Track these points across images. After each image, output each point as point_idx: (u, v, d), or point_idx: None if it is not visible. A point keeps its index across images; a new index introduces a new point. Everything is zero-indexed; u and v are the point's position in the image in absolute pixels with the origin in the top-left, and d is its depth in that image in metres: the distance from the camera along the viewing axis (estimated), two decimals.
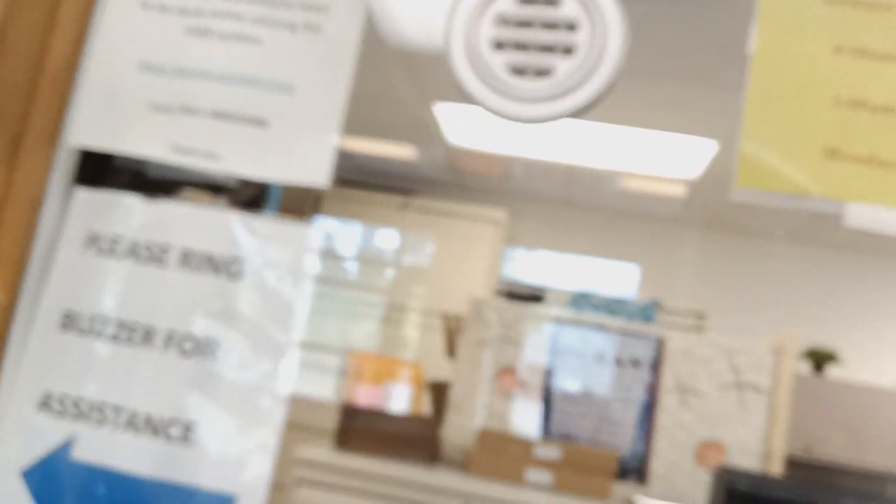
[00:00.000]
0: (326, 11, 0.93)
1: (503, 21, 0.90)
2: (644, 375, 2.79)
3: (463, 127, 3.37)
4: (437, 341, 3.25)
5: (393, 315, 3.86)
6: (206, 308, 0.89)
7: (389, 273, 3.93)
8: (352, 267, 4.01)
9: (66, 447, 0.87)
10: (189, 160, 0.91)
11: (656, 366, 2.77)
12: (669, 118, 3.12)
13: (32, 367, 0.90)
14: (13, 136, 0.89)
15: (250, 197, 1.17)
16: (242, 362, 0.87)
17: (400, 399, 2.97)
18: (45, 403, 0.89)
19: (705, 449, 2.80)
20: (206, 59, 0.93)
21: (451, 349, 2.92)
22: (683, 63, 2.75)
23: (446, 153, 3.58)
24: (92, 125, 0.93)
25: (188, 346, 0.88)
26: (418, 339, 3.76)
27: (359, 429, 2.59)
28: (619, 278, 4.05)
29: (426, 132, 3.36)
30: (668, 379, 2.84)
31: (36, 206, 0.91)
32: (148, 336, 0.89)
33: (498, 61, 0.89)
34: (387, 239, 3.93)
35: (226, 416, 0.86)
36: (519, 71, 0.89)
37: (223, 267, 0.90)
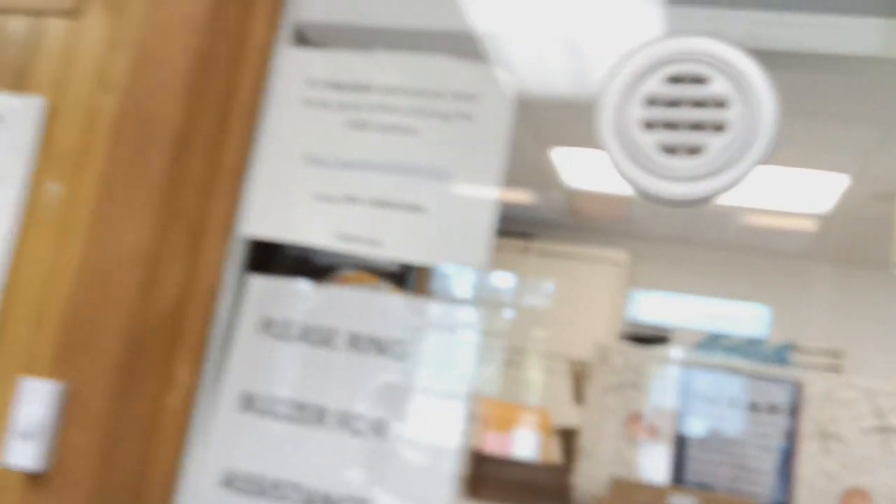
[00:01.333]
0: (477, 99, 0.97)
1: (652, 101, 0.91)
2: (782, 421, 2.69)
3: (581, 170, 3.38)
4: (561, 385, 3.23)
5: (514, 358, 3.87)
6: (374, 389, 0.93)
7: (509, 316, 3.94)
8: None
9: None
10: (353, 247, 0.96)
11: (795, 411, 2.67)
12: (796, 153, 3.03)
13: (215, 446, 0.96)
14: (194, 229, 0.97)
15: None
16: (412, 441, 0.91)
17: (528, 446, 2.97)
18: (228, 482, 0.94)
19: (850, 497, 2.67)
20: (366, 150, 0.99)
21: (579, 395, 2.90)
22: (811, 97, 2.68)
23: (565, 196, 3.59)
24: (262, 216, 1.00)
25: (360, 425, 0.92)
26: (540, 383, 3.75)
27: (490, 476, 2.61)
28: (746, 318, 3.94)
29: (543, 176, 3.39)
30: (807, 424, 2.73)
31: (215, 293, 0.98)
32: (320, 416, 0.94)
33: (648, 141, 0.90)
34: (505, 282, 3.95)
35: (397, 495, 0.90)
36: (670, 150, 0.90)
37: (389, 348, 0.94)
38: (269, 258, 1.05)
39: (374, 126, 0.99)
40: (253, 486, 0.93)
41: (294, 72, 1.02)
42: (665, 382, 2.87)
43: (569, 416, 2.90)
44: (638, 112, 0.91)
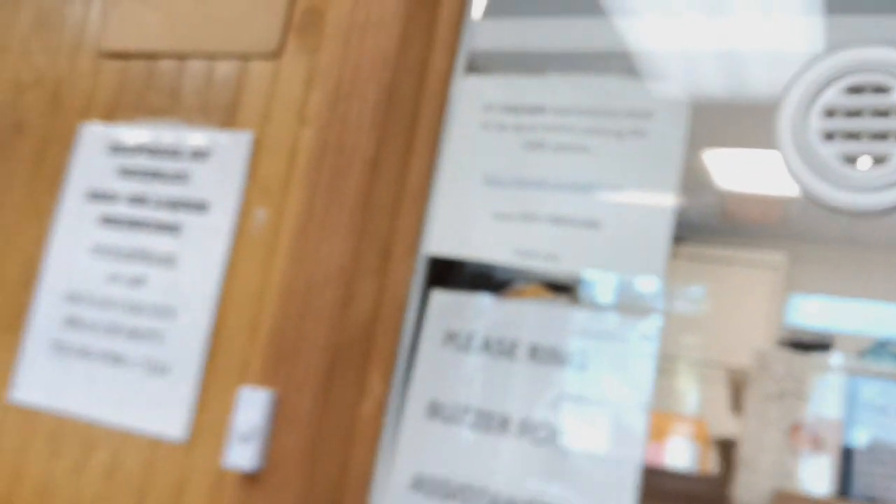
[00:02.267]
0: (650, 117, 1.00)
1: (831, 113, 0.91)
2: None
3: (734, 172, 3.30)
4: (717, 394, 3.14)
5: (665, 366, 3.79)
6: (554, 399, 0.97)
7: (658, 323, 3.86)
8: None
9: None
10: (531, 262, 1.01)
11: None
12: None
13: (405, 451, 1.03)
14: (383, 249, 1.04)
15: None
16: (593, 450, 0.94)
17: (685, 456, 2.92)
18: (417, 485, 1.01)
19: None
20: (542, 170, 1.03)
21: (737, 404, 2.83)
22: None
23: (717, 199, 3.51)
24: (445, 235, 1.06)
25: (541, 434, 0.96)
26: (695, 392, 3.67)
27: (646, 488, 2.58)
28: None
29: (695, 179, 3.32)
30: None
31: (403, 307, 1.05)
32: (504, 424, 0.99)
33: (829, 152, 0.91)
34: (649, 286, 3.87)
35: (580, 502, 0.93)
36: (852, 160, 0.90)
37: (568, 359, 0.98)
38: (451, 274, 1.11)
39: (549, 146, 1.04)
40: (441, 490, 0.99)
41: (471, 98, 1.08)
42: (829, 391, 2.74)
43: (726, 425, 2.82)
44: (817, 123, 0.92)
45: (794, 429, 2.85)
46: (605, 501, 0.92)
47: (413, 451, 1.02)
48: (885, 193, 0.88)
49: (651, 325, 0.97)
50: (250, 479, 0.97)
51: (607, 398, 0.96)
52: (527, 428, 0.97)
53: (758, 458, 2.86)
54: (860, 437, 2.66)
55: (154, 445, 1.07)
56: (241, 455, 0.95)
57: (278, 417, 0.98)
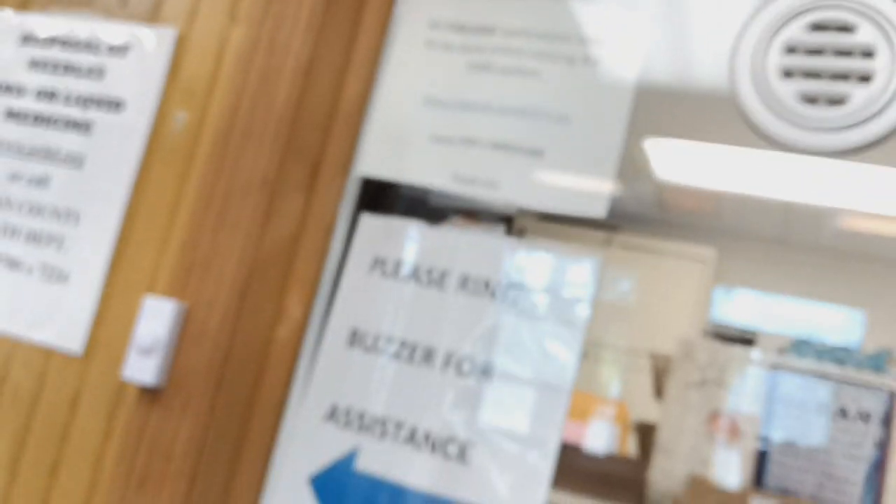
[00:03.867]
0: (603, 44, 0.95)
1: (792, 49, 0.87)
2: (874, 430, 2.58)
3: (673, 162, 3.30)
4: (640, 380, 3.16)
5: (591, 351, 3.80)
6: (483, 332, 0.92)
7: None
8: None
9: (350, 457, 0.93)
10: (469, 189, 0.95)
11: (888, 420, 2.55)
12: None
13: (321, 380, 0.96)
14: (312, 165, 0.97)
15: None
16: (517, 387, 0.89)
17: (604, 437, 2.92)
18: (332, 415, 0.94)
19: None
20: (487, 93, 0.97)
21: (659, 390, 2.84)
22: None
23: (654, 188, 3.51)
24: (379, 156, 0.99)
25: (466, 367, 0.91)
26: (618, 377, 3.68)
27: (563, 466, 2.57)
28: (838, 323, 3.79)
29: (633, 167, 3.32)
30: None
31: (329, 230, 0.98)
32: (428, 356, 0.93)
33: (787, 90, 0.87)
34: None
35: (500, 438, 0.88)
36: (810, 100, 0.86)
37: (500, 293, 0.92)
38: (384, 198, 1.05)
39: (496, 69, 0.98)
40: (357, 422, 0.93)
41: (418, 12, 1.02)
42: (750, 383, 2.78)
43: (647, 410, 2.83)
44: (777, 60, 0.88)
45: (713, 417, 2.87)
46: (526, 438, 0.87)
47: (330, 379, 0.96)
48: (841, 134, 0.85)
49: (587, 265, 0.92)
50: (150, 395, 0.89)
51: (535, 342, 0.91)
52: (451, 361, 0.92)
53: (676, 443, 2.87)
54: (777, 430, 2.69)
55: (47, 355, 0.98)
56: (142, 369, 0.87)
57: (184, 332, 0.90)
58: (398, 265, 0.97)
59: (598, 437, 2.91)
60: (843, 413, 2.79)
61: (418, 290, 0.95)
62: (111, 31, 1.03)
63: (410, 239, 0.98)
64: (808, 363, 2.84)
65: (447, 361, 0.92)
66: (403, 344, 0.94)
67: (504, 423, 0.89)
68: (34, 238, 1.00)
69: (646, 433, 2.84)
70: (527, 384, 0.89)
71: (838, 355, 2.83)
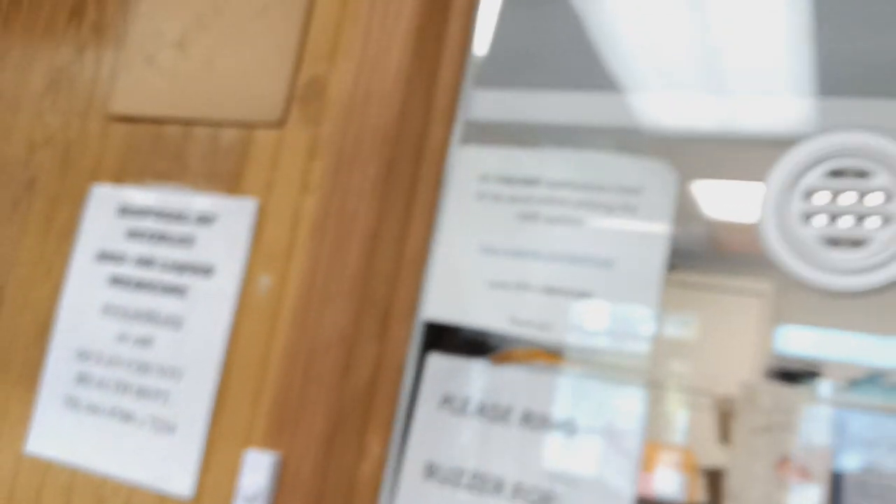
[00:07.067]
0: (640, 193, 1.04)
1: (812, 195, 0.95)
2: None
3: (722, 202, 3.34)
4: (705, 423, 3.18)
5: (653, 393, 3.83)
6: (547, 464, 1.01)
7: (645, 349, 3.90)
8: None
9: None
10: (525, 331, 1.05)
11: None
12: None
13: None
14: (383, 315, 1.08)
15: None
16: None
17: (672, 486, 2.96)
18: None
19: None
20: (536, 241, 1.07)
21: (725, 434, 2.86)
22: None
23: (705, 228, 3.56)
24: (442, 301, 1.10)
25: (533, 497, 1.00)
26: (682, 420, 3.71)
27: None
28: None
29: (683, 209, 3.36)
30: None
31: (401, 371, 1.09)
32: (498, 487, 1.03)
33: (810, 234, 0.95)
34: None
35: None
36: (833, 243, 0.94)
37: (559, 426, 1.02)
38: (447, 338, 1.15)
39: (542, 218, 1.08)
40: None
41: (468, 168, 1.13)
42: (817, 421, 2.77)
43: (714, 455, 2.85)
44: (798, 205, 0.96)
45: (782, 462, 2.87)
46: None
47: None
48: (862, 276, 0.92)
49: (637, 396, 1.01)
50: None
51: (596, 463, 1.00)
52: (520, 491, 1.01)
53: (746, 490, 2.89)
54: (849, 468, 2.69)
55: (162, 501, 1.11)
56: None
57: (282, 480, 1.02)
58: (465, 402, 1.07)
59: (666, 486, 2.94)
60: None
61: (484, 424, 1.06)
62: (198, 202, 1.16)
63: (474, 376, 1.08)
64: (877, 399, 2.83)
65: (516, 491, 1.02)
66: (475, 476, 1.04)
67: None
68: (143, 393, 1.14)
69: (714, 480, 2.87)
70: None
71: None
